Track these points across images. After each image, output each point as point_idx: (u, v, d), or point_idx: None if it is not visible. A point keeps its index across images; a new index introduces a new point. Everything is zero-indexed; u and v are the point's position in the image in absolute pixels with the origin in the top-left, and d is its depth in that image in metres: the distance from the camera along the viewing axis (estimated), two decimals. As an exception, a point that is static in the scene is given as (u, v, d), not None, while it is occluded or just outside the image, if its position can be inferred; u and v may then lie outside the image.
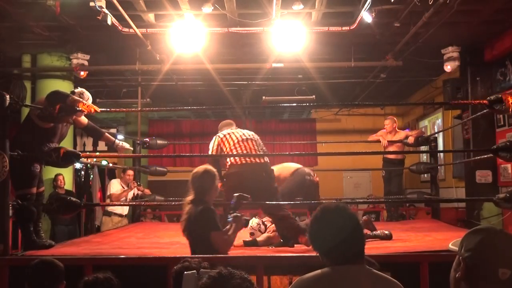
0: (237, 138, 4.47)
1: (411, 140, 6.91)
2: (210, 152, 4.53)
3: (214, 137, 4.60)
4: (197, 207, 3.39)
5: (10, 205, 3.91)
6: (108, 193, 7.49)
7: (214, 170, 3.58)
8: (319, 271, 1.80)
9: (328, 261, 1.82)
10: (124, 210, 7.51)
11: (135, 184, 7.20)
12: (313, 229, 1.88)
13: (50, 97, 4.15)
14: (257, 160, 4.42)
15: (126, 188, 7.33)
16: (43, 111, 3.99)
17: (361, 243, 1.86)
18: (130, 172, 7.39)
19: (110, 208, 7.34)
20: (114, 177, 9.04)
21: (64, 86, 7.16)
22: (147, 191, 7.50)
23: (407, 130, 7.94)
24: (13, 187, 4.36)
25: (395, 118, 7.69)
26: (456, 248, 1.50)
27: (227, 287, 1.51)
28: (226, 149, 4.44)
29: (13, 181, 4.31)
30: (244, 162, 4.37)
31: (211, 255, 3.69)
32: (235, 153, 4.37)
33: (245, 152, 4.38)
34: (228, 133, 4.56)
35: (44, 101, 4.20)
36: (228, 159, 4.45)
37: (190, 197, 3.46)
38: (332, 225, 1.83)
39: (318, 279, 1.77)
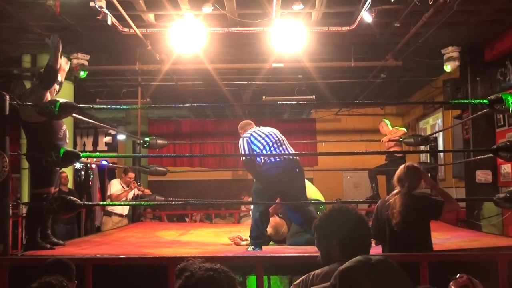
0: (265, 136, 4.51)
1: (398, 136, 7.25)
2: (243, 154, 4.54)
3: (241, 138, 4.57)
4: (415, 197, 3.59)
5: (10, 205, 3.91)
6: (108, 193, 7.47)
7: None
8: (327, 267, 1.85)
9: (333, 258, 1.88)
10: (125, 210, 7.51)
11: (136, 184, 7.21)
12: (324, 224, 1.97)
13: (46, 81, 4.13)
14: (290, 156, 4.50)
15: (126, 188, 7.33)
16: (43, 108, 3.97)
17: (368, 240, 1.96)
18: (132, 175, 7.38)
19: (110, 208, 7.35)
20: (114, 177, 9.04)
21: (64, 86, 7.14)
22: (147, 191, 7.52)
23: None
24: (32, 186, 4.40)
25: (385, 121, 7.78)
26: None
27: (192, 281, 1.53)
28: (258, 148, 4.46)
29: (33, 179, 4.36)
30: (278, 159, 4.43)
31: (212, 255, 3.71)
32: (265, 151, 4.42)
33: (273, 149, 4.45)
34: (255, 132, 4.57)
35: (31, 97, 4.18)
36: (261, 157, 4.47)
37: (400, 191, 3.60)
38: (342, 221, 1.93)
39: (325, 275, 1.81)
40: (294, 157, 4.56)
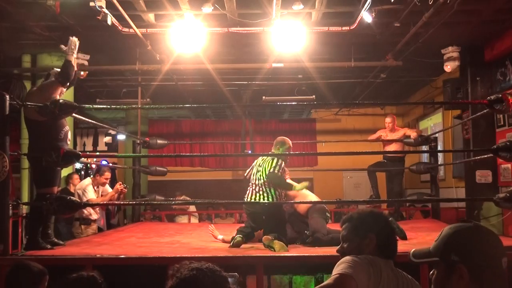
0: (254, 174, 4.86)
1: (414, 136, 6.97)
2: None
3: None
4: None
5: (10, 205, 3.91)
6: (85, 199, 6.39)
7: None
8: (363, 255, 1.91)
9: (365, 250, 1.97)
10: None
11: (122, 185, 6.52)
12: (362, 217, 2.08)
13: (65, 77, 4.26)
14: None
15: (97, 189, 6.69)
16: (44, 108, 3.98)
17: (396, 240, 2.09)
18: (108, 175, 6.75)
19: (87, 215, 6.61)
20: (115, 178, 8.97)
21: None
22: (122, 196, 6.92)
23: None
24: (36, 186, 4.42)
25: (394, 116, 7.72)
26: (426, 259, 1.48)
27: (175, 282, 1.57)
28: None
29: (36, 180, 4.39)
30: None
31: (212, 255, 3.71)
32: (248, 189, 4.84)
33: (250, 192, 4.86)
34: (254, 166, 4.93)
35: (42, 93, 4.22)
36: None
37: None
38: (378, 218, 2.08)
39: (368, 260, 1.87)
40: None
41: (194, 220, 8.86)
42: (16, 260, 3.14)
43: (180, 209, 9.07)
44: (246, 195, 4.79)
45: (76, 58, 4.61)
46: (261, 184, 4.70)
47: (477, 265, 1.38)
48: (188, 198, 9.31)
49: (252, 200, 4.68)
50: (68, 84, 4.42)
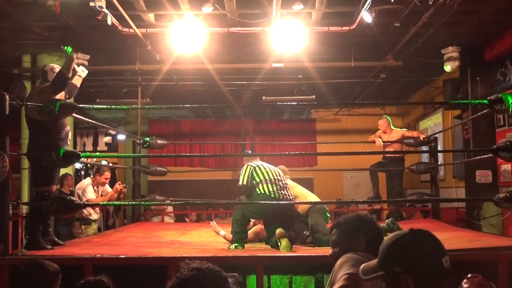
0: (267, 171, 4.70)
1: (424, 137, 6.97)
2: (242, 179, 4.72)
3: (245, 165, 4.79)
4: None
5: (10, 205, 3.91)
6: (85, 199, 6.37)
7: None
8: (360, 252, 2.00)
9: (356, 251, 2.03)
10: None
11: (121, 185, 6.49)
12: (350, 222, 2.19)
13: (55, 87, 4.20)
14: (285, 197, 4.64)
15: (96, 189, 6.65)
16: (43, 108, 3.98)
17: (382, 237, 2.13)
18: (108, 175, 6.70)
19: (86, 215, 6.60)
20: (115, 178, 8.93)
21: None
22: (122, 196, 6.94)
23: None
24: (34, 184, 4.43)
25: (388, 118, 7.71)
26: (373, 274, 1.47)
27: (176, 282, 1.55)
28: (259, 177, 4.66)
29: (34, 178, 4.40)
30: (273, 196, 4.57)
31: (212, 256, 3.71)
32: (266, 184, 4.60)
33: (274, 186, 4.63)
34: (260, 165, 4.77)
35: (42, 96, 4.22)
36: (260, 188, 4.62)
37: None
38: (366, 220, 2.19)
39: (366, 256, 1.93)
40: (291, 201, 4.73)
41: (170, 220, 8.92)
42: (30, 259, 3.12)
43: (156, 209, 8.91)
44: (269, 189, 4.55)
45: (78, 76, 4.57)
46: (284, 184, 4.71)
47: (419, 272, 1.39)
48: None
49: (280, 196, 4.56)
50: (59, 92, 4.27)
